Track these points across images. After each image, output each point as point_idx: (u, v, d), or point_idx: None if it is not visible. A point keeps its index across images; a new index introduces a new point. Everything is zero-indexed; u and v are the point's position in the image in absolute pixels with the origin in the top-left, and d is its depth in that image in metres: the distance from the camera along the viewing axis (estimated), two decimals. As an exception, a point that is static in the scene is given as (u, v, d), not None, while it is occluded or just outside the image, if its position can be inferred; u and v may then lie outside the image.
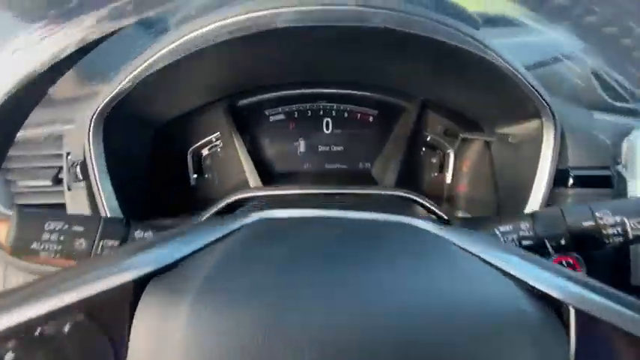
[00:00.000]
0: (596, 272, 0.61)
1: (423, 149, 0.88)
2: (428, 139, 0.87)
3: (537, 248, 0.48)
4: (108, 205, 0.60)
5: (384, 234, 0.37)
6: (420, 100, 0.82)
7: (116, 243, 0.46)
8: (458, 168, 0.87)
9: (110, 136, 0.63)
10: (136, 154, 0.72)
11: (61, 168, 0.72)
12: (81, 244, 0.44)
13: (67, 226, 0.43)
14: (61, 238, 0.43)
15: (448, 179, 0.88)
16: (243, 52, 0.61)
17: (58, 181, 0.74)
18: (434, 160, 0.89)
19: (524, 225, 0.48)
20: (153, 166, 0.77)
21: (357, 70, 0.76)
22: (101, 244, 0.45)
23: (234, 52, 0.61)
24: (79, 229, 0.44)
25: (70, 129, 0.69)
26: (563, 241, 0.46)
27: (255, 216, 0.40)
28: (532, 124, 0.62)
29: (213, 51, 0.57)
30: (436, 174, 0.90)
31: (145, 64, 0.52)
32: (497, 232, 0.49)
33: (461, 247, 0.35)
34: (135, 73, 0.53)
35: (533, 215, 0.49)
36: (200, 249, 0.33)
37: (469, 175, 0.85)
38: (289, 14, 0.44)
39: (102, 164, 0.61)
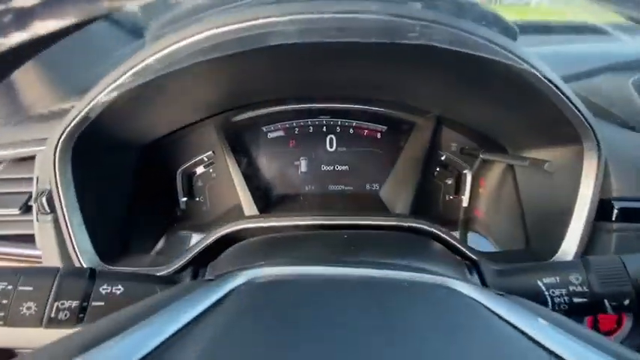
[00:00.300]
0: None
1: (437, 169, 0.80)
2: (442, 158, 0.79)
3: (591, 306, 0.39)
4: (77, 242, 0.52)
5: (413, 305, 0.29)
6: (435, 115, 0.74)
7: (75, 303, 0.37)
8: (475, 190, 0.79)
9: (82, 162, 0.54)
10: (116, 180, 0.64)
11: (31, 194, 0.64)
12: (29, 308, 0.35)
13: (11, 287, 0.35)
14: (4, 302, 0.35)
15: (465, 202, 0.79)
16: (235, 65, 0.53)
17: (28, 208, 0.66)
18: (449, 182, 0.81)
19: (576, 277, 0.39)
20: (136, 191, 0.69)
21: (366, 84, 0.67)
22: (56, 306, 0.36)
23: (223, 66, 0.53)
24: (27, 289, 0.35)
25: (42, 150, 0.61)
26: (626, 301, 0.37)
27: (242, 277, 0.31)
28: (570, 149, 0.53)
29: (200, 65, 0.49)
30: (451, 197, 0.81)
31: (119, 81, 0.44)
32: (541, 285, 0.41)
33: (514, 326, 0.27)
34: (108, 89, 0.45)
35: (585, 264, 0.40)
36: (172, 336, 0.25)
37: (489, 200, 0.77)
38: (286, 25, 0.35)
39: (71, 195, 0.52)
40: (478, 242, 0.80)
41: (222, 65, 0.53)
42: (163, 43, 0.39)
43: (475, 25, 0.38)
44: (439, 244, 0.51)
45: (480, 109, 0.62)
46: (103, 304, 0.38)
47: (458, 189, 0.80)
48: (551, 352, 0.24)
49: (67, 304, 0.37)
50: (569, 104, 0.46)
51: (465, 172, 0.78)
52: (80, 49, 0.73)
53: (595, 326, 0.54)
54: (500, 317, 0.28)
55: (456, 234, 0.79)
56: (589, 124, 0.48)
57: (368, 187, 0.83)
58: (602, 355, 0.23)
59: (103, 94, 0.44)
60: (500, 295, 0.32)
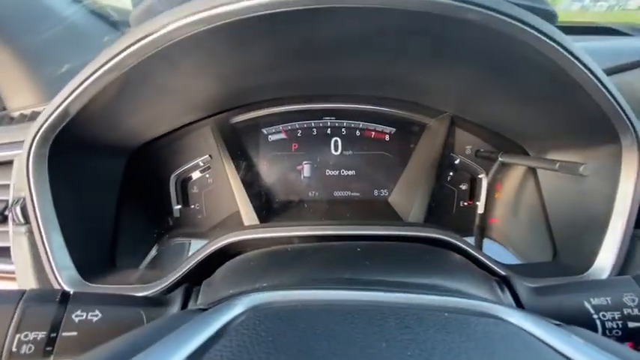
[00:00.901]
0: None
1: (451, 173, 0.75)
2: (456, 161, 0.73)
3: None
4: (54, 256, 0.46)
5: (459, 345, 0.23)
6: (449, 116, 0.69)
7: (42, 335, 0.31)
8: (491, 196, 0.74)
9: (62, 167, 0.49)
10: (101, 187, 0.58)
11: (8, 203, 0.58)
12: (-17, 341, 0.29)
13: (-39, 317, 0.29)
14: (-48, 335, 0.29)
15: (480, 209, 0.74)
16: (231, 57, 0.47)
17: (4, 218, 0.60)
18: (463, 187, 0.75)
19: (631, 298, 0.34)
20: (124, 199, 0.63)
21: (378, 80, 0.62)
22: (18, 338, 0.30)
23: (219, 57, 0.48)
24: (-18, 318, 0.30)
25: (20, 154, 0.55)
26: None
27: (241, 306, 0.26)
28: (605, 149, 0.48)
29: (193, 56, 0.44)
30: (466, 203, 0.76)
31: (98, 73, 0.38)
32: (589, 307, 0.35)
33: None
34: (87, 83, 0.40)
35: (639, 280, 0.35)
36: None
37: (507, 206, 0.71)
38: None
39: (47, 203, 0.46)
40: (495, 251, 0.75)
41: (217, 58, 0.48)
42: (149, 28, 0.34)
43: (510, 4, 0.33)
44: (460, 256, 0.46)
45: (502, 106, 0.56)
46: (75, 334, 0.32)
47: (472, 194, 0.75)
48: None
49: (31, 335, 0.31)
50: (609, 97, 0.41)
51: (480, 176, 0.73)
52: (67, 45, 0.68)
53: (636, 348, 0.48)
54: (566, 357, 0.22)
55: (470, 240, 0.74)
56: (629, 119, 0.43)
57: (376, 192, 0.77)
58: None
59: (82, 87, 0.38)
60: (557, 324, 0.26)
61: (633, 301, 0.34)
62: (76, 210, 0.51)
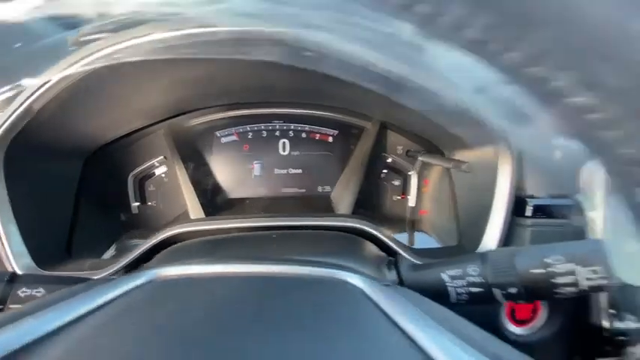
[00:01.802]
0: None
1: (384, 171, 0.84)
2: (389, 160, 0.82)
3: (486, 295, 0.43)
4: (12, 250, 0.52)
5: (292, 298, 0.31)
6: (378, 121, 0.78)
7: (-10, 306, 0.38)
8: (420, 191, 0.83)
9: (18, 170, 0.55)
10: (59, 187, 0.64)
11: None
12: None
13: None
14: None
15: (411, 202, 0.83)
16: (172, 74, 0.55)
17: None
18: (396, 183, 0.84)
19: (473, 269, 0.43)
20: (83, 198, 0.69)
21: (310, 91, 0.70)
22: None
23: (161, 74, 0.55)
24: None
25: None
26: (513, 290, 0.41)
27: (144, 277, 0.33)
28: (487, 150, 0.57)
29: (136, 73, 0.51)
30: (398, 197, 0.85)
31: (56, 78, 0.45)
32: (446, 277, 0.44)
33: (394, 323, 0.29)
34: (43, 90, 0.46)
35: (482, 257, 0.44)
36: (65, 325, 0.27)
37: (432, 199, 0.81)
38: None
39: (4, 205, 0.52)
40: (425, 240, 0.84)
41: (159, 74, 0.55)
42: (125, 36, 0.41)
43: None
44: (369, 242, 0.54)
45: (412, 116, 0.65)
46: (20, 306, 0.39)
47: (405, 189, 0.84)
48: (410, 339, 0.26)
49: (-20, 308, 0.37)
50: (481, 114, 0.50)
51: (410, 173, 0.82)
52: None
53: (512, 316, 0.58)
54: (376, 305, 0.31)
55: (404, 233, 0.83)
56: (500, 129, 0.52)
57: (320, 189, 0.85)
58: (460, 345, 0.25)
59: (34, 96, 0.45)
60: (386, 285, 0.35)
61: (475, 271, 0.43)
62: (32, 210, 0.57)
